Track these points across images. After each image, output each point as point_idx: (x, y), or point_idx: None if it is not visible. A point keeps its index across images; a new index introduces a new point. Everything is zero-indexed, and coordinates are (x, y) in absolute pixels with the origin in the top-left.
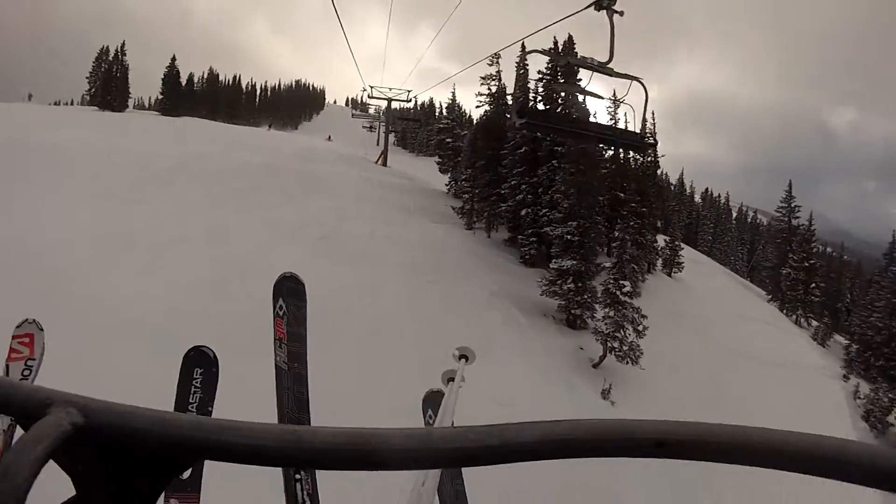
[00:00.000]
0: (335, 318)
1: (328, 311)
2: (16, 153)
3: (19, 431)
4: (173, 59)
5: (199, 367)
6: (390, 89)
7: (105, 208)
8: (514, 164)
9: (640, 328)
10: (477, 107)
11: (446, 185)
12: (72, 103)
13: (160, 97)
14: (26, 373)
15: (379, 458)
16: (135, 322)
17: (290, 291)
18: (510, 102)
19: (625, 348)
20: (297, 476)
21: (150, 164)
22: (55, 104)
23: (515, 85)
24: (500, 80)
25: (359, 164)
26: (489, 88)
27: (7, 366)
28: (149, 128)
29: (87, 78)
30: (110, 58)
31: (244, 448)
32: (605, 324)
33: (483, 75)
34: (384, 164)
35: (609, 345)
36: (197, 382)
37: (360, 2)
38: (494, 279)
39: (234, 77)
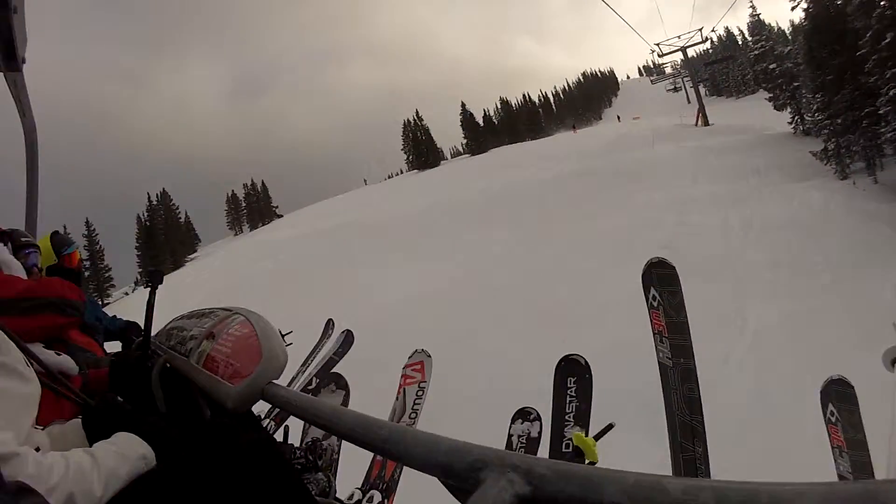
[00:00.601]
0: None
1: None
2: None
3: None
4: (462, 105)
5: (572, 375)
6: (679, 37)
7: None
8: (882, 64)
9: None
10: (792, 8)
11: (789, 122)
12: (400, 173)
13: (464, 141)
14: (419, 393)
15: None
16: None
17: (660, 278)
18: None
19: None
20: None
21: (467, 205)
22: (389, 177)
23: None
24: None
25: (676, 134)
26: None
27: (403, 390)
28: (460, 172)
29: (401, 149)
30: (412, 126)
31: None
32: None
33: None
34: (705, 124)
35: None
36: (571, 391)
37: None
38: None
39: (524, 96)
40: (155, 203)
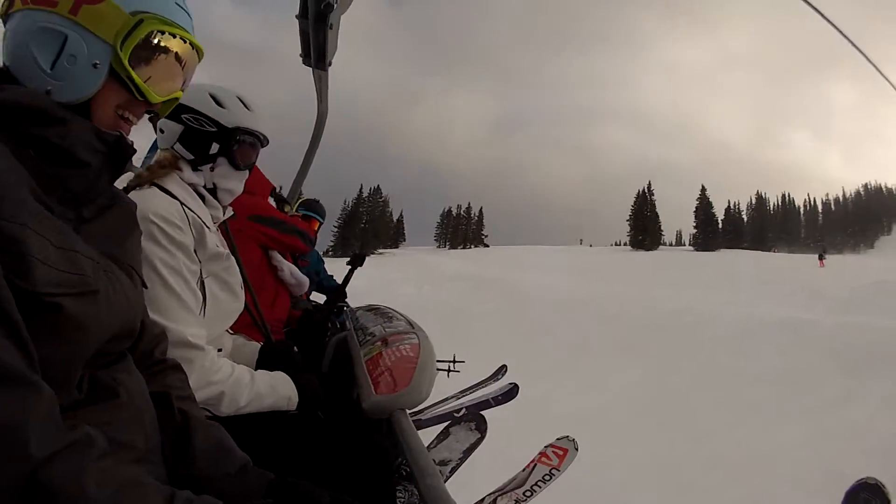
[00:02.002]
0: None
1: None
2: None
3: None
4: (702, 189)
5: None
6: None
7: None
8: None
9: None
10: None
11: None
12: (618, 244)
13: (693, 231)
14: (546, 478)
15: None
16: None
17: None
18: None
19: None
20: None
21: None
22: (615, 244)
23: None
24: None
25: None
26: None
27: (534, 465)
28: (673, 265)
29: (627, 221)
30: (639, 198)
31: None
32: None
33: None
34: None
35: None
36: None
37: None
38: None
39: (783, 197)
40: (365, 196)
